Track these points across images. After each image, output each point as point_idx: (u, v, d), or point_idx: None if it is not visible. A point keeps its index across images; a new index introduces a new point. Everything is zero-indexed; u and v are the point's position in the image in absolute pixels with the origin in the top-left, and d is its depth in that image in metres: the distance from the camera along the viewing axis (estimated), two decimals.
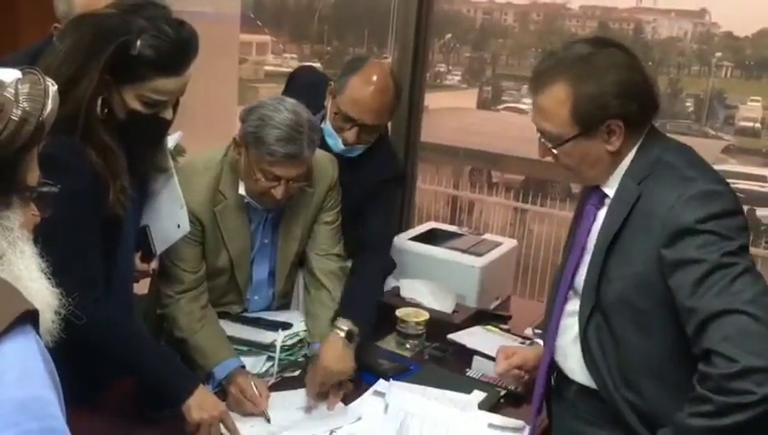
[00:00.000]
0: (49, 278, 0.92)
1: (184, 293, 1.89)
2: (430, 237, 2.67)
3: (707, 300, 1.27)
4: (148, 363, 1.61)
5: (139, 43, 1.43)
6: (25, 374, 0.79)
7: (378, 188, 2.13)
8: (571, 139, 1.42)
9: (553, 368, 1.61)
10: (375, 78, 2.02)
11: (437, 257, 2.48)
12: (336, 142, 2.06)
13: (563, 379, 1.59)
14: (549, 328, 1.59)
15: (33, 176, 0.91)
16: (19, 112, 0.85)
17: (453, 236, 2.69)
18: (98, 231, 1.52)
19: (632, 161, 1.45)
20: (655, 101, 1.46)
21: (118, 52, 1.42)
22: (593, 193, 1.52)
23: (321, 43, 26.27)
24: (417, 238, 2.63)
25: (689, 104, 24.42)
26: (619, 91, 1.38)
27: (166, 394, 1.62)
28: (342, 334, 1.86)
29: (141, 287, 1.99)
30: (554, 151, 1.45)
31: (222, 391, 1.78)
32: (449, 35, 25.31)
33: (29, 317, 0.82)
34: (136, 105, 1.49)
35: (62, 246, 1.19)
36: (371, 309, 2.00)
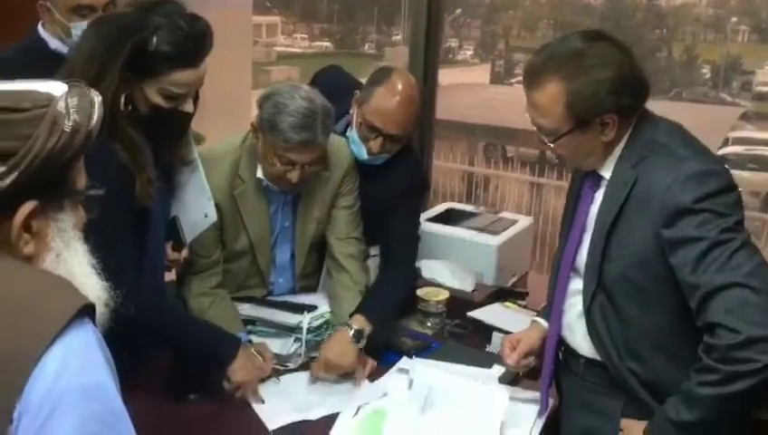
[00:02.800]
0: (98, 274, 0.99)
1: (194, 275, 1.99)
2: (447, 218, 2.74)
3: (709, 275, 1.34)
4: (192, 336, 1.72)
5: (155, 38, 1.49)
6: (87, 363, 0.86)
7: (401, 196, 2.16)
8: (566, 133, 1.46)
9: (561, 343, 1.67)
10: (400, 88, 2.06)
11: (455, 237, 2.54)
12: (360, 151, 2.10)
13: (571, 353, 1.66)
14: (554, 306, 1.65)
15: (82, 180, 0.98)
16: (71, 124, 0.91)
17: (470, 215, 2.76)
18: (128, 223, 1.59)
19: (625, 145, 1.49)
20: (646, 91, 1.49)
21: (136, 48, 1.49)
22: (590, 176, 1.57)
23: (332, 23, 26.14)
24: (434, 219, 2.70)
25: (705, 71, 24.12)
26: (611, 86, 1.41)
27: (212, 360, 1.74)
28: (350, 332, 1.91)
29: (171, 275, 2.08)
30: (551, 145, 1.50)
31: None
32: (459, 10, 25.06)
33: (87, 311, 0.89)
34: (157, 99, 1.55)
35: (96, 239, 1.26)
36: (388, 314, 2.05)
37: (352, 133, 2.12)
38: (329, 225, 2.12)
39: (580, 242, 1.57)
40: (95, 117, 0.95)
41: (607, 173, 1.52)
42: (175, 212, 1.82)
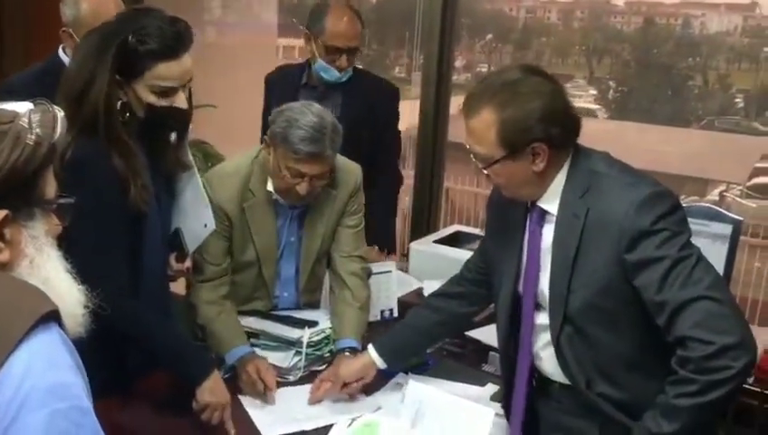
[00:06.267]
0: (74, 277, 1.05)
1: (204, 282, 2.07)
2: (454, 240, 2.79)
3: (674, 292, 1.39)
4: (169, 350, 1.73)
5: (136, 38, 1.60)
6: (51, 363, 0.91)
7: (379, 107, 2.70)
8: (498, 160, 1.51)
9: (534, 371, 1.71)
10: (344, 13, 2.56)
11: (459, 259, 2.57)
12: (331, 73, 2.58)
13: (544, 379, 1.70)
14: (523, 338, 1.68)
15: (51, 190, 1.04)
16: (33, 138, 0.98)
17: (476, 238, 2.80)
18: (120, 229, 1.66)
19: (567, 178, 1.55)
20: (576, 125, 1.54)
21: (120, 50, 1.59)
22: (533, 213, 1.61)
23: (363, 47, 26.38)
24: (440, 241, 2.76)
25: (739, 100, 23.81)
26: (541, 116, 1.46)
27: (184, 377, 1.75)
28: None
29: (180, 288, 2.17)
30: (485, 171, 1.55)
31: (234, 376, 1.95)
32: (490, 36, 25.12)
33: (51, 315, 0.93)
34: (150, 97, 1.64)
35: (86, 243, 1.32)
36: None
37: (318, 63, 2.57)
38: (333, 242, 2.19)
39: (537, 278, 1.61)
40: (58, 130, 1.02)
41: (551, 207, 1.57)
42: (177, 223, 1.90)
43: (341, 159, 2.13)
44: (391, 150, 2.81)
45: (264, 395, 1.89)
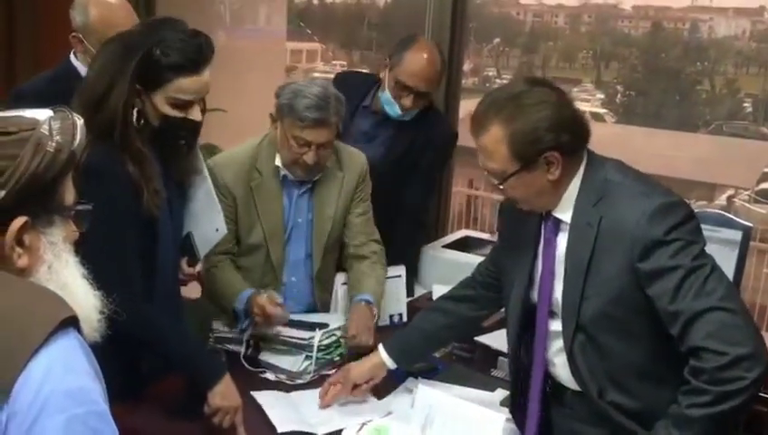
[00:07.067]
0: (91, 283, 1.06)
1: (206, 256, 2.10)
2: (463, 245, 2.80)
3: (687, 303, 1.39)
4: (182, 354, 1.74)
5: (159, 50, 1.61)
6: (69, 368, 0.92)
7: (430, 151, 2.51)
8: (513, 174, 1.51)
9: (548, 377, 1.71)
10: (426, 53, 2.41)
11: (469, 264, 2.58)
12: (394, 108, 2.43)
13: (558, 385, 1.70)
14: (537, 345, 1.68)
15: (70, 197, 1.05)
16: (54, 144, 0.99)
17: (485, 243, 2.81)
18: (134, 234, 1.68)
19: (581, 187, 1.55)
20: (586, 129, 1.54)
21: (143, 60, 1.60)
22: (547, 221, 1.62)
23: (370, 50, 26.52)
24: (449, 246, 2.76)
25: (747, 105, 23.75)
26: (550, 125, 1.47)
27: (197, 381, 1.75)
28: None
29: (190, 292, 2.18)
30: (501, 187, 1.55)
31: (253, 323, 2.06)
32: (497, 40, 25.18)
33: (70, 321, 0.94)
34: (166, 109, 1.65)
35: (100, 249, 1.33)
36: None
37: (385, 94, 2.43)
38: (347, 231, 2.25)
39: (551, 285, 1.62)
40: (78, 138, 1.03)
41: (565, 216, 1.57)
42: (188, 228, 1.92)
43: (346, 146, 2.21)
44: (416, 202, 2.59)
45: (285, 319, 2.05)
